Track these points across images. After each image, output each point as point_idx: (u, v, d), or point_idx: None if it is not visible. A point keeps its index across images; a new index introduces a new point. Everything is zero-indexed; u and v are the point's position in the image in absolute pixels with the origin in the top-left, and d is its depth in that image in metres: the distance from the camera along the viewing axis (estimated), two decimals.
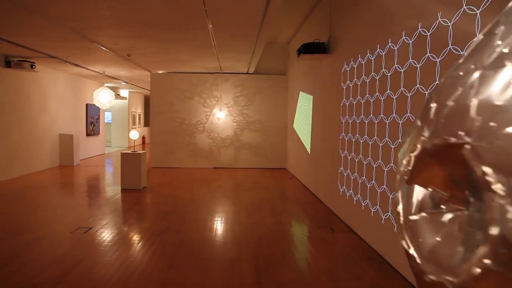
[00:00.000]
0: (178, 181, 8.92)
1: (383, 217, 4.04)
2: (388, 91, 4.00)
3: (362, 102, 4.76)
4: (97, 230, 4.88)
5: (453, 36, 2.86)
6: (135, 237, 4.72)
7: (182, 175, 9.99)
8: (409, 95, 3.55)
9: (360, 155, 4.80)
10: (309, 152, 8.02)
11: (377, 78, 4.30)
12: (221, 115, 11.40)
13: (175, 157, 11.50)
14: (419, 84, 3.36)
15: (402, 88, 3.67)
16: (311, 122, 7.91)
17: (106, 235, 4.73)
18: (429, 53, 3.18)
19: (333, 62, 6.22)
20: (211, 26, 5.91)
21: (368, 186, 4.51)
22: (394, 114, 3.82)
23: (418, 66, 3.39)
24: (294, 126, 9.99)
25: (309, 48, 6.38)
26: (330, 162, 6.29)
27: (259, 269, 3.75)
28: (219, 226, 5.26)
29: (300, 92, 9.14)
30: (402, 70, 3.69)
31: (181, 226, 5.21)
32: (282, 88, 11.36)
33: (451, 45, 2.89)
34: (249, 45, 7.37)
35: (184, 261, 3.93)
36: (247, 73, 11.36)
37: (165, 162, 11.47)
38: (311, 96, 7.88)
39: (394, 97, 3.83)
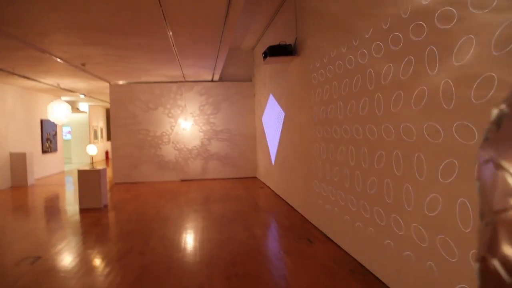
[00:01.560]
0: (143, 197, 8.36)
1: (361, 225, 3.76)
2: (357, 91, 3.74)
3: (335, 105, 4.50)
4: (47, 259, 4.31)
5: (428, 30, 2.63)
6: (91, 265, 4.19)
7: (147, 190, 9.42)
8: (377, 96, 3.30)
9: (335, 160, 4.53)
10: (274, 159, 7.73)
11: (349, 79, 4.05)
12: (187, 125, 10.94)
13: (140, 171, 10.90)
14: (395, 85, 3.11)
15: (370, 88, 3.42)
16: (280, 128, 7.62)
17: (56, 264, 4.18)
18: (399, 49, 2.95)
19: (301, 64, 5.97)
20: (169, 29, 5.51)
21: (345, 192, 4.23)
22: (362, 113, 3.57)
23: (391, 65, 3.15)
24: (263, 131, 9.68)
25: (275, 51, 6.11)
26: (303, 169, 6.00)
27: None
28: (187, 244, 4.82)
29: (268, 98, 8.86)
30: (371, 70, 3.45)
31: (145, 247, 4.72)
32: (249, 95, 11.06)
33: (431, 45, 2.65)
34: (212, 50, 7.01)
35: None
36: (212, 81, 10.99)
37: (129, 177, 10.84)
38: (279, 101, 7.60)
39: (366, 99, 3.59)
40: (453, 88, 2.45)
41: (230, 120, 11.09)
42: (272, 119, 8.40)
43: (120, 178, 10.81)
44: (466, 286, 2.39)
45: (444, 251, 2.58)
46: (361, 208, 3.86)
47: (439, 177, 2.61)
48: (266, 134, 9.25)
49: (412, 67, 2.89)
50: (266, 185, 9.38)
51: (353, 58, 3.95)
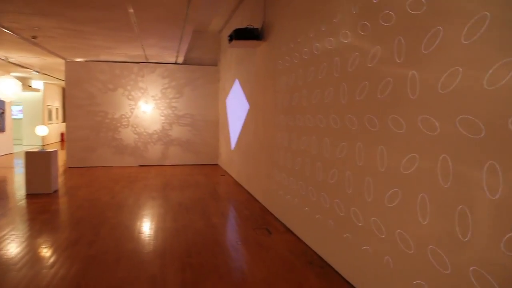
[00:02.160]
0: (98, 182, 7.95)
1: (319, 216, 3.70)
2: (323, 78, 3.64)
3: (299, 93, 4.38)
4: None
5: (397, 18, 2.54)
6: (34, 255, 3.87)
7: (103, 175, 8.99)
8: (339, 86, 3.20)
9: (297, 149, 4.43)
10: (235, 146, 7.57)
11: (315, 66, 3.93)
12: (148, 109, 10.51)
13: (97, 155, 10.39)
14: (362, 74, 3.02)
15: (336, 76, 3.32)
16: (244, 115, 7.45)
17: None
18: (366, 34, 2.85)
19: (267, 49, 5.80)
20: (130, 4, 5.15)
21: (306, 183, 4.15)
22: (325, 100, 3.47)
23: (357, 54, 3.05)
24: (227, 117, 9.47)
25: (242, 34, 5.88)
26: (265, 158, 5.88)
27: (186, 285, 3.18)
28: (141, 233, 4.58)
29: (233, 83, 8.64)
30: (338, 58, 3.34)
31: (96, 236, 4.43)
32: (214, 80, 10.78)
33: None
34: (176, 30, 6.67)
35: (94, 282, 3.23)
36: (175, 63, 10.59)
37: (85, 161, 10.30)
38: (244, 87, 7.41)
39: (331, 88, 3.48)
40: (418, 79, 2.37)
41: (193, 105, 10.77)
42: (236, 105, 8.21)
43: (74, 162, 10.25)
44: (422, 282, 2.35)
45: (402, 245, 2.54)
46: (321, 199, 3.79)
47: (401, 169, 2.55)
48: (229, 121, 9.06)
49: (378, 56, 2.80)
50: (228, 173, 9.22)
51: (319, 44, 3.82)
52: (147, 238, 4.40)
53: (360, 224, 3.06)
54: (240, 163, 7.81)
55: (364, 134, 3.00)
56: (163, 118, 10.66)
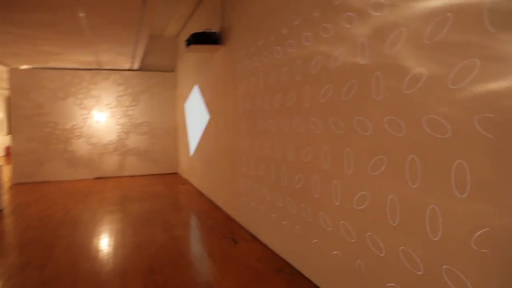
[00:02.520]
0: (49, 198, 7.43)
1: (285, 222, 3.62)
2: (285, 81, 3.58)
3: (261, 97, 4.29)
4: None
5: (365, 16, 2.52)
6: None
7: (55, 190, 8.43)
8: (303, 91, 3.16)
9: (261, 154, 4.34)
10: (195, 153, 7.38)
11: (276, 70, 3.87)
12: (102, 118, 10.02)
13: (48, 168, 9.74)
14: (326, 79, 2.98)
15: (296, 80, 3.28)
16: (204, 122, 7.27)
17: None
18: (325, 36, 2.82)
19: (226, 53, 5.69)
20: (80, 7, 4.85)
21: (271, 189, 4.06)
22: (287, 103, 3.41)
23: (320, 57, 3.01)
24: (186, 124, 9.23)
25: (200, 38, 5.74)
26: (227, 164, 5.74)
27: None
28: (99, 251, 4.27)
29: (191, 89, 8.43)
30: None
31: (48, 258, 4.08)
32: (171, 86, 10.50)
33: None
34: (131, 35, 6.40)
35: None
36: (130, 70, 10.20)
37: (34, 175, 9.62)
38: (203, 93, 7.25)
39: (293, 92, 3.43)
40: (383, 80, 2.36)
41: (150, 113, 10.42)
42: (196, 112, 8.01)
43: (22, 177, 9.54)
44: (395, 284, 2.32)
45: (373, 248, 2.50)
46: (287, 205, 3.71)
47: (368, 171, 2.52)
48: (189, 128, 8.83)
49: (340, 58, 2.77)
50: (189, 182, 8.97)
51: (280, 47, 3.77)
52: (105, 256, 4.11)
53: (329, 229, 3.01)
54: (201, 171, 7.61)
55: (330, 137, 2.96)
56: (119, 127, 10.22)
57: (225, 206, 5.98)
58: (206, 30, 5.91)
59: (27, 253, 4.23)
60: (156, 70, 10.44)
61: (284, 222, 3.80)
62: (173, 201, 6.99)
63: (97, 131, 10.04)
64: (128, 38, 6.58)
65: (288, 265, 3.72)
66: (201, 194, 7.54)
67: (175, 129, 10.59)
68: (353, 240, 2.72)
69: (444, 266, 1.96)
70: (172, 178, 9.81)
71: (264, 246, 4.30)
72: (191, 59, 8.38)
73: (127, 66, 9.73)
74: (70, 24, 5.61)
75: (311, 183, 3.28)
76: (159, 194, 7.60)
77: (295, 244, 3.61)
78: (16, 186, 9.09)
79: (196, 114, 8.01)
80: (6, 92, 15.58)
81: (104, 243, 4.55)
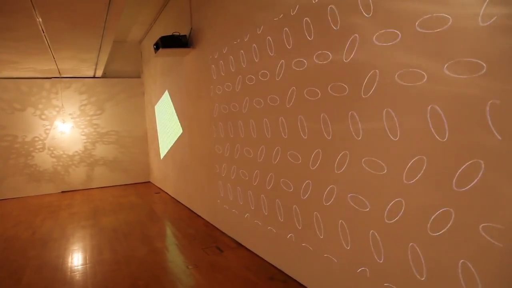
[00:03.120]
0: (12, 217, 6.92)
1: (270, 228, 3.51)
2: (253, 87, 3.47)
3: (238, 101, 4.16)
4: None
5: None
6: None
7: (18, 207, 7.88)
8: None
9: (242, 159, 4.20)
10: (170, 161, 7.14)
11: (255, 71, 3.75)
12: (66, 128, 9.50)
13: (8, 185, 9.09)
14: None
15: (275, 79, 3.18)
16: (176, 128, 7.04)
17: None
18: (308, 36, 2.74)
19: (197, 56, 5.51)
20: (36, 10, 4.51)
21: (255, 193, 3.93)
22: (263, 111, 3.31)
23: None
24: (157, 131, 8.93)
25: (168, 42, 5.52)
26: (204, 170, 5.56)
27: None
28: (74, 272, 3.98)
29: (161, 95, 8.16)
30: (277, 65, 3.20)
31: (16, 284, 3.75)
32: (138, 93, 10.13)
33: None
34: (94, 40, 6.07)
35: None
36: (94, 77, 9.75)
37: None
38: (173, 98, 7.01)
39: (267, 98, 3.33)
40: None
41: (117, 121, 10.00)
42: (166, 118, 7.75)
43: None
44: (391, 285, 2.27)
45: (374, 250, 2.44)
46: (274, 209, 3.60)
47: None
48: (160, 135, 8.54)
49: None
50: (163, 190, 8.68)
51: (256, 45, 3.65)
52: (83, 277, 3.83)
53: (321, 237, 2.93)
54: (176, 179, 7.36)
55: (316, 139, 2.87)
56: (84, 137, 9.73)
57: (204, 214, 5.79)
58: (175, 33, 5.71)
59: None
60: (121, 77, 10.04)
61: (270, 227, 3.69)
62: (149, 211, 6.70)
63: (61, 142, 9.51)
64: (92, 43, 6.23)
65: (280, 272, 3.61)
66: (177, 202, 7.29)
67: (144, 137, 10.24)
68: (348, 247, 2.65)
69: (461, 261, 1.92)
70: (145, 187, 9.46)
71: (251, 253, 4.17)
72: (158, 64, 8.11)
73: (90, 74, 9.28)
74: (27, 30, 5.22)
75: (301, 186, 3.18)
76: (133, 205, 7.28)
77: (284, 249, 3.50)
78: None
79: (167, 120, 7.75)
80: None
81: (80, 262, 4.25)
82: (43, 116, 9.37)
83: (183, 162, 6.73)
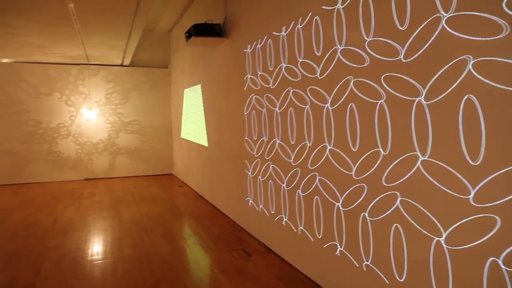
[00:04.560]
0: (34, 203, 6.84)
1: (300, 230, 3.19)
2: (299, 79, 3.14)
3: (273, 94, 3.85)
4: None
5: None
6: None
7: (41, 193, 7.82)
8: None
9: (275, 155, 3.89)
10: (200, 154, 6.90)
11: (290, 65, 3.43)
12: (92, 116, 9.40)
13: (32, 170, 9.07)
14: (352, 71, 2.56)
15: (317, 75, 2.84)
16: (203, 121, 6.79)
17: None
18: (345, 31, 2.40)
19: (230, 47, 5.22)
20: None
21: (286, 194, 3.62)
22: (307, 106, 2.97)
23: (338, 47, 2.59)
24: (182, 123, 8.72)
25: (201, 30, 5.25)
26: (232, 166, 5.29)
27: None
28: (94, 267, 3.78)
29: (188, 86, 7.93)
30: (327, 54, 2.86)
31: (35, 276, 3.57)
32: (164, 83, 9.95)
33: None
34: (124, 26, 5.86)
35: None
36: (121, 65, 9.61)
37: (16, 177, 8.95)
38: (202, 90, 6.76)
39: (306, 90, 3.00)
40: None
41: (141, 111, 9.81)
42: (194, 110, 7.52)
43: (3, 179, 8.87)
44: None
45: (436, 279, 2.10)
46: (313, 215, 3.28)
47: (392, 179, 2.11)
48: (185, 127, 8.33)
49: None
50: (185, 183, 8.48)
51: (285, 42, 3.32)
52: (102, 273, 3.62)
53: (371, 255, 2.60)
54: (200, 173, 7.13)
55: (345, 141, 2.54)
56: (108, 125, 9.61)
57: (230, 212, 5.53)
58: (208, 22, 5.43)
59: (11, 270, 3.71)
60: (148, 66, 9.87)
61: (307, 234, 3.37)
62: (171, 206, 6.50)
63: (86, 130, 9.42)
64: (122, 29, 6.03)
65: (315, 284, 3.30)
66: (200, 197, 7.07)
67: (169, 128, 10.05)
68: (402, 277, 2.31)
69: None
70: (167, 179, 9.29)
71: (282, 260, 3.87)
72: (187, 55, 7.88)
73: (118, 62, 9.15)
74: (56, 13, 5.05)
75: (346, 191, 2.86)
76: (156, 198, 7.09)
77: (323, 260, 3.18)
78: None
79: (194, 112, 7.52)
80: None
81: (100, 257, 4.05)
82: (69, 102, 9.30)
83: (209, 156, 6.48)
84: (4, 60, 8.76)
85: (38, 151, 9.09)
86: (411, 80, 2.20)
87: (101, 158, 9.59)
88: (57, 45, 7.02)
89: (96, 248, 4.36)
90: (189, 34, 5.37)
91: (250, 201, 4.63)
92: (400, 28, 2.26)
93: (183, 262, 3.93)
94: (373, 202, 2.55)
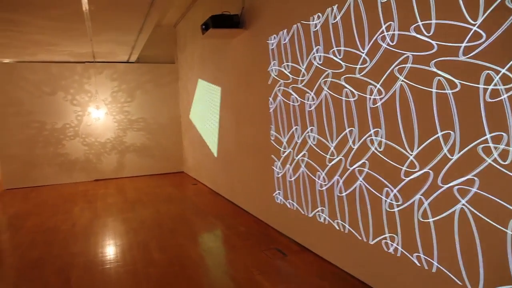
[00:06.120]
0: (49, 206, 6.65)
1: (345, 226, 3.03)
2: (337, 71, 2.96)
3: (305, 86, 3.66)
4: None
5: None
6: None
7: (53, 195, 7.64)
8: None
9: (310, 148, 3.72)
10: (215, 151, 6.71)
11: (326, 54, 3.24)
12: (100, 115, 9.15)
13: (40, 172, 8.86)
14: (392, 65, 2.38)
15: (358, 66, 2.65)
16: (217, 115, 6.60)
17: None
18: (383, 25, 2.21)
19: (250, 38, 5.02)
20: None
21: (324, 188, 3.45)
22: (345, 98, 2.79)
23: (386, 34, 2.40)
24: (192, 120, 8.52)
25: (220, 21, 5.04)
26: (254, 162, 5.11)
27: None
28: (125, 273, 3.60)
29: (199, 81, 7.73)
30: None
31: (65, 285, 3.40)
32: (172, 79, 9.73)
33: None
34: (136, 20, 5.65)
35: None
36: (127, 62, 9.38)
37: (26, 179, 8.74)
38: (216, 85, 6.56)
39: (341, 79, 2.81)
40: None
41: (149, 108, 9.59)
42: (205, 106, 7.32)
43: (14, 182, 8.65)
44: None
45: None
46: (357, 211, 3.12)
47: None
48: (196, 123, 8.13)
49: None
50: (199, 181, 8.31)
51: (320, 31, 3.13)
52: (136, 280, 3.45)
53: (435, 257, 2.43)
54: (217, 170, 6.95)
55: (397, 134, 2.36)
56: (116, 124, 9.40)
57: (253, 209, 5.36)
58: (225, 12, 5.22)
59: (37, 281, 3.53)
60: (154, 62, 9.64)
61: (349, 228, 3.21)
62: (190, 205, 6.33)
63: (94, 130, 9.20)
64: (133, 23, 5.81)
65: (361, 282, 3.14)
66: (216, 194, 6.90)
67: (178, 125, 9.85)
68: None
69: None
70: (179, 177, 9.11)
71: (320, 258, 3.70)
72: (197, 50, 7.66)
73: (124, 58, 8.91)
74: (70, 8, 4.83)
75: (399, 186, 2.69)
76: (171, 197, 6.92)
77: (372, 258, 3.02)
78: (8, 192, 8.25)
79: (206, 108, 7.32)
80: None
81: (129, 262, 3.88)
82: (74, 102, 9.07)
83: (227, 152, 6.30)
84: (6, 60, 8.49)
85: (42, 154, 8.83)
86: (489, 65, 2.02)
87: (110, 158, 9.39)
88: (66, 42, 6.78)
89: (123, 252, 4.18)
90: (207, 26, 5.16)
91: (279, 197, 4.46)
92: (467, 16, 2.08)
93: (218, 264, 3.77)
94: (432, 198, 2.38)
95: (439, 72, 2.29)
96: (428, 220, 2.45)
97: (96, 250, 4.29)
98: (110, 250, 4.28)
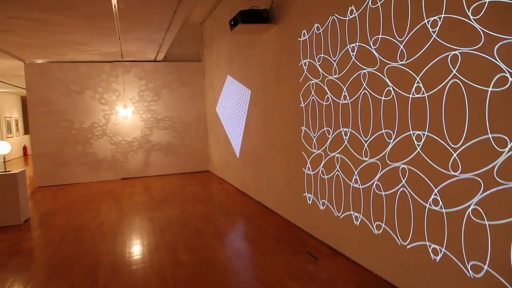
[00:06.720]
0: (77, 204, 6.72)
1: (375, 226, 2.81)
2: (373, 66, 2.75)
3: (340, 81, 3.47)
4: None
5: None
6: None
7: (81, 193, 7.73)
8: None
9: (344, 148, 3.52)
10: (241, 150, 6.59)
11: (363, 44, 3.04)
12: (128, 113, 9.20)
13: (69, 171, 9.00)
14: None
15: (399, 63, 2.44)
16: (245, 113, 6.47)
17: None
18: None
19: (280, 34, 4.86)
20: None
21: (361, 189, 3.25)
22: (384, 98, 2.58)
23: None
24: (219, 115, 8.44)
25: (249, 16, 4.91)
26: (283, 161, 4.95)
27: None
28: (153, 275, 3.52)
29: (225, 80, 7.63)
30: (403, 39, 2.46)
31: (93, 285, 3.35)
32: (198, 77, 9.69)
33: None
34: (165, 16, 5.59)
35: None
36: (155, 61, 9.40)
37: (56, 178, 8.92)
38: (242, 83, 6.43)
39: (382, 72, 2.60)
40: None
41: (175, 107, 9.59)
42: (232, 104, 7.21)
43: (44, 180, 8.84)
44: None
45: None
46: (394, 214, 2.91)
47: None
48: (224, 122, 8.04)
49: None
50: (224, 180, 8.22)
51: (358, 24, 2.93)
52: (163, 281, 3.35)
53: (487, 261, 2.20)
54: (243, 169, 6.83)
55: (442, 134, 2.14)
56: (143, 123, 9.44)
57: (281, 210, 5.20)
58: (253, 7, 5.08)
59: (67, 279, 3.50)
60: (180, 60, 9.63)
61: (389, 232, 3.00)
62: (217, 205, 6.24)
63: (122, 128, 9.28)
64: (162, 19, 5.75)
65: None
66: (243, 194, 6.78)
67: (204, 124, 9.80)
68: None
69: None
70: (205, 176, 9.06)
71: (354, 263, 3.51)
72: (223, 47, 7.57)
73: (151, 57, 8.93)
74: (100, 5, 4.81)
75: (444, 189, 2.47)
76: (197, 196, 6.85)
77: (411, 263, 2.81)
78: (39, 190, 8.42)
79: (233, 107, 7.22)
80: (20, 91, 14.99)
81: (156, 263, 3.80)
82: (102, 100, 9.16)
83: (254, 152, 6.16)
84: (39, 61, 8.68)
85: (70, 153, 8.95)
86: None
87: (136, 157, 9.44)
88: (96, 41, 6.83)
89: (150, 252, 4.12)
90: (235, 22, 5.04)
91: (311, 198, 4.28)
92: None
93: (248, 268, 3.64)
94: (481, 197, 2.15)
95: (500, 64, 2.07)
96: (484, 222, 2.23)
97: (123, 249, 4.24)
98: (137, 250, 4.22)
